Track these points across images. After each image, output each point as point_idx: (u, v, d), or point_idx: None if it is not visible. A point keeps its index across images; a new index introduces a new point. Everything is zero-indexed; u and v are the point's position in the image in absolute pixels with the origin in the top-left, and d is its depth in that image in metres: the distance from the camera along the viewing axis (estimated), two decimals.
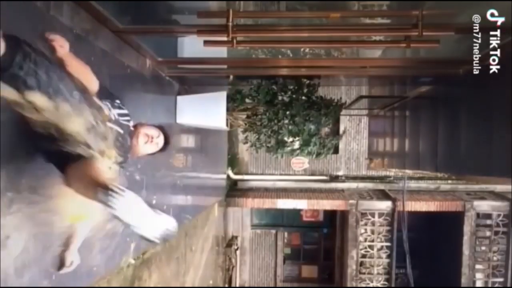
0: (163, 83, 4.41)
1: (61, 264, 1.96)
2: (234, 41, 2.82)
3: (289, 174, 10.91)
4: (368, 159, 10.64)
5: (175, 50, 4.27)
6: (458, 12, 2.96)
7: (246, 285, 12.35)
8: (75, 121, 1.45)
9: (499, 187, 9.70)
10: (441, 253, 10.98)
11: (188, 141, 5.67)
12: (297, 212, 12.62)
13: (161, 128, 2.02)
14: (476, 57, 3.45)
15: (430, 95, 5.06)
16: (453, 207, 9.36)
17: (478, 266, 9.41)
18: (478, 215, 9.33)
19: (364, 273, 9.74)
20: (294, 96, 5.40)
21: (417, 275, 10.44)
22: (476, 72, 3.60)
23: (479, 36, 3.32)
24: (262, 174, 10.83)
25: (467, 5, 3.09)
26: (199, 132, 5.89)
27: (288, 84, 5.53)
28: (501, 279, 9.30)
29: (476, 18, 3.24)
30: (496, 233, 9.31)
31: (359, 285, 9.69)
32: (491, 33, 3.07)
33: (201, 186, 6.71)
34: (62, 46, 1.60)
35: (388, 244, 9.60)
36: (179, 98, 4.88)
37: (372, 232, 9.64)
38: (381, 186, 10.41)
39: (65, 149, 1.49)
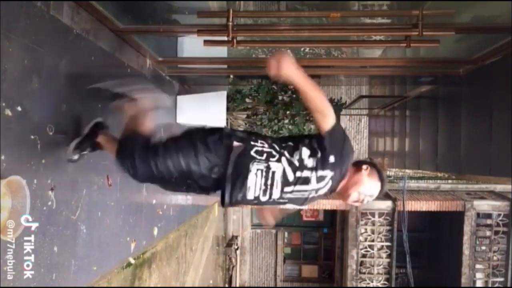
0: (163, 82, 4.42)
1: None
2: (234, 40, 2.82)
3: None
4: (368, 159, 10.62)
5: (175, 49, 4.27)
6: (458, 12, 2.96)
7: (246, 285, 12.36)
8: None
9: (499, 187, 9.70)
10: (441, 253, 10.99)
11: None
12: (297, 212, 12.63)
13: None
14: (476, 57, 3.46)
15: (430, 95, 5.07)
16: (453, 207, 9.36)
17: (478, 266, 9.41)
18: (478, 214, 9.34)
19: (364, 273, 9.75)
20: (294, 96, 5.40)
21: (417, 275, 10.45)
22: (476, 72, 3.61)
23: (479, 36, 3.33)
24: None
25: (467, 5, 3.09)
26: None
27: (288, 83, 5.53)
28: (501, 279, 9.31)
29: (476, 18, 3.25)
30: (496, 232, 9.31)
31: (359, 285, 9.70)
32: (491, 33, 3.08)
33: None
34: None
35: (388, 244, 9.60)
36: (179, 97, 4.88)
37: (372, 231, 9.64)
38: None
39: None
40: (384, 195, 9.70)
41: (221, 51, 4.15)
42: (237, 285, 10.90)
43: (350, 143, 1.82)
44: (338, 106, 5.74)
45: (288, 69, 1.65)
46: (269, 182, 1.72)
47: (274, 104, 5.38)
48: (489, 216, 9.36)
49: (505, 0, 2.66)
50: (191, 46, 4.18)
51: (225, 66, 4.64)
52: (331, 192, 1.85)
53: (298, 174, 1.72)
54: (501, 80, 3.21)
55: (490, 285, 9.37)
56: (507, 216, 9.23)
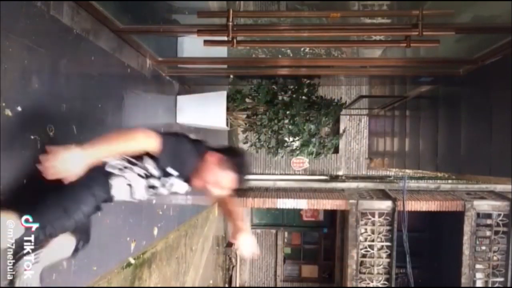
0: (163, 82, 4.42)
1: None
2: (234, 40, 2.82)
3: (289, 174, 10.92)
4: (368, 159, 10.64)
5: (175, 49, 4.27)
6: (458, 12, 2.96)
7: (246, 285, 12.36)
8: None
9: (499, 187, 9.71)
10: (441, 253, 10.99)
11: None
12: (297, 212, 12.63)
13: None
14: (476, 57, 3.46)
15: (430, 95, 5.07)
16: (453, 207, 9.36)
17: (478, 266, 9.41)
18: (478, 214, 9.34)
19: (364, 273, 9.75)
20: (294, 96, 5.39)
21: (417, 275, 10.45)
22: (476, 72, 3.61)
23: (479, 36, 3.33)
24: (262, 174, 10.84)
25: (467, 5, 3.09)
26: (199, 132, 5.90)
27: (288, 84, 5.52)
28: (501, 279, 9.31)
29: (476, 18, 3.24)
30: (496, 232, 9.31)
31: (359, 285, 9.69)
32: (491, 33, 3.08)
33: None
34: None
35: (388, 243, 9.60)
36: (179, 97, 4.89)
37: (372, 231, 9.64)
38: (381, 186, 10.41)
39: None
40: (384, 195, 9.72)
41: (221, 51, 4.15)
42: (237, 285, 10.90)
43: (185, 147, 1.90)
44: (338, 106, 5.73)
45: (79, 163, 1.61)
46: (132, 189, 1.96)
47: (274, 104, 5.37)
48: (489, 216, 9.36)
49: (505, 0, 2.66)
50: (191, 46, 4.19)
51: (225, 66, 4.64)
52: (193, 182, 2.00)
53: (150, 182, 1.97)
54: (501, 80, 3.21)
55: (490, 285, 9.37)
56: (507, 216, 9.23)
